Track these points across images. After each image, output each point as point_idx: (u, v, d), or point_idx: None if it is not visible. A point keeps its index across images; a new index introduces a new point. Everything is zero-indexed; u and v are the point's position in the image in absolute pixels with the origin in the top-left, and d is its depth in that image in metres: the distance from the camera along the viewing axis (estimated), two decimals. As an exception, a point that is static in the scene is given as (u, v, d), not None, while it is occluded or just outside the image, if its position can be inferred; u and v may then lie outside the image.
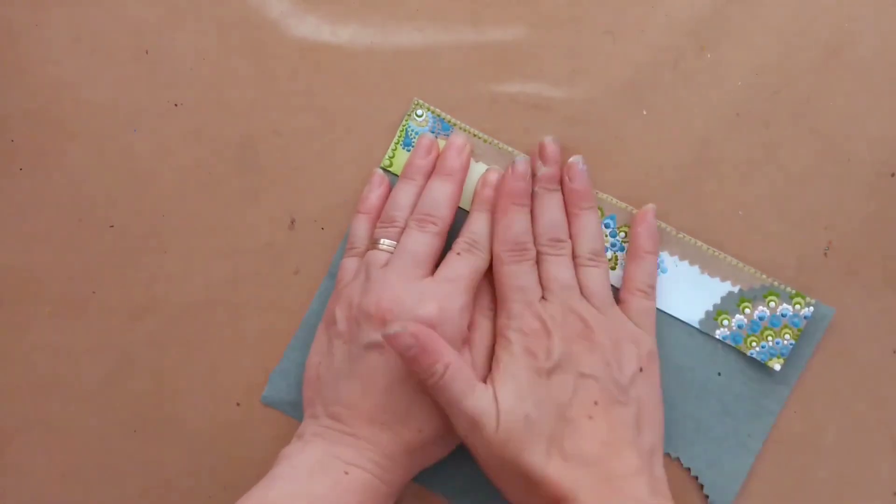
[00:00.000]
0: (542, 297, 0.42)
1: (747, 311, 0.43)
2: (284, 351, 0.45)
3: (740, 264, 0.44)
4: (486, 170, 0.44)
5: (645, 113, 0.44)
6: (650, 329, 0.43)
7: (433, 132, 0.45)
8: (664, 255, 0.44)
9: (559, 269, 0.42)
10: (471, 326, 0.42)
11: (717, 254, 0.44)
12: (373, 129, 0.45)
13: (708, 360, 0.44)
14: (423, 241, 0.42)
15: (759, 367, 0.44)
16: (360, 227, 0.44)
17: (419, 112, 0.45)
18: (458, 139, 0.44)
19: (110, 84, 0.46)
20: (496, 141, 0.44)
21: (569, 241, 0.43)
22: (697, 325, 0.44)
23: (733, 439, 0.44)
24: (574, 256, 0.43)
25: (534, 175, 0.43)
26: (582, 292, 0.42)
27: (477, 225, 0.43)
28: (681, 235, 0.44)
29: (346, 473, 0.38)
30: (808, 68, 0.44)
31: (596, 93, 0.44)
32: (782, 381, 0.44)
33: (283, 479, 0.38)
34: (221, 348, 0.46)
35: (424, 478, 0.44)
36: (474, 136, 0.44)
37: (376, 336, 0.40)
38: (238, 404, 0.46)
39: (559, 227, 0.43)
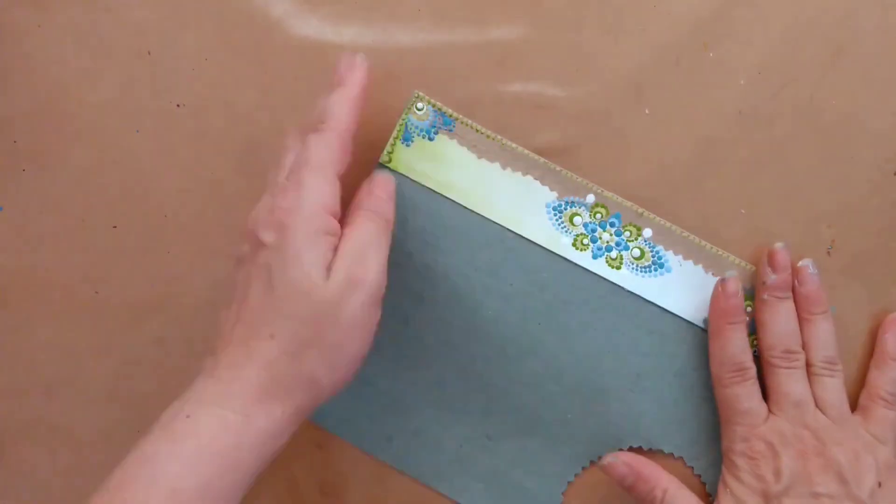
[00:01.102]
0: (771, 412, 0.41)
1: (750, 309, 0.43)
2: (287, 351, 0.45)
3: (743, 263, 0.44)
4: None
5: (647, 112, 0.44)
6: (889, 440, 0.41)
7: (434, 126, 0.45)
8: (668, 254, 0.44)
9: (792, 383, 0.40)
10: (347, 223, 0.39)
11: (720, 252, 0.44)
12: (375, 129, 0.45)
13: (713, 360, 0.44)
14: (314, 143, 0.38)
15: (764, 365, 0.44)
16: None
17: (419, 105, 0.45)
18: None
19: (113, 85, 0.46)
20: (499, 137, 0.44)
21: (802, 351, 0.41)
22: (702, 325, 0.44)
23: (739, 438, 0.44)
24: (807, 365, 0.41)
25: (763, 282, 0.42)
26: (817, 404, 0.41)
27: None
28: (685, 234, 0.44)
29: (189, 417, 0.35)
30: (811, 66, 0.44)
31: (598, 92, 0.44)
32: (787, 380, 0.44)
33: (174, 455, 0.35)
34: (224, 348, 0.46)
35: (421, 473, 0.44)
36: (477, 131, 0.44)
37: (244, 248, 0.38)
38: (241, 405, 0.46)
39: (792, 338, 0.41)
